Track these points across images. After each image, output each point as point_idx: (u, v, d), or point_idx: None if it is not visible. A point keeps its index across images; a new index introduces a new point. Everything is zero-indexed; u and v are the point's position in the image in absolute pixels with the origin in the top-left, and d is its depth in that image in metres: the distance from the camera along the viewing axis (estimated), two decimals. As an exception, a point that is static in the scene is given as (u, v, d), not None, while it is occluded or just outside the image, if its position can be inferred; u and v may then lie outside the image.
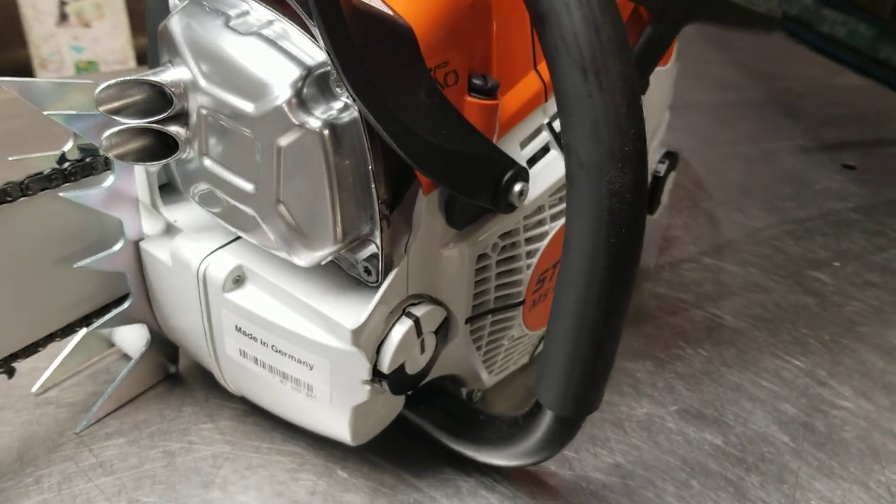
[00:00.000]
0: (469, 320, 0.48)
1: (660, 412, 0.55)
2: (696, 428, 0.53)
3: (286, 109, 0.38)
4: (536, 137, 0.48)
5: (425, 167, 0.39)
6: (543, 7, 0.34)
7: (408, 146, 0.38)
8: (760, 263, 0.74)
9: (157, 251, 0.49)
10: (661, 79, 0.67)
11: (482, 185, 0.43)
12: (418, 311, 0.44)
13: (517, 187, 0.44)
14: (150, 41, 0.56)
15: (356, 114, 0.38)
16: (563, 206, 0.51)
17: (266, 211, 0.41)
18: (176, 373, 0.58)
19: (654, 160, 0.69)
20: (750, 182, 0.90)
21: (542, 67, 0.49)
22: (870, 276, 0.72)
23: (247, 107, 0.39)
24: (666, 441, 0.52)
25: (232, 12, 0.40)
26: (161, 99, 0.42)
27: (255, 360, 0.47)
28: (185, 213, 0.49)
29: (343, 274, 0.45)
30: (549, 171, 0.48)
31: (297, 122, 0.38)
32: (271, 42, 0.38)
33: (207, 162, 0.43)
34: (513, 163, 0.43)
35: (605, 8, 0.34)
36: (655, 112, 0.68)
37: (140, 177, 0.48)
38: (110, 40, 1.23)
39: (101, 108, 0.41)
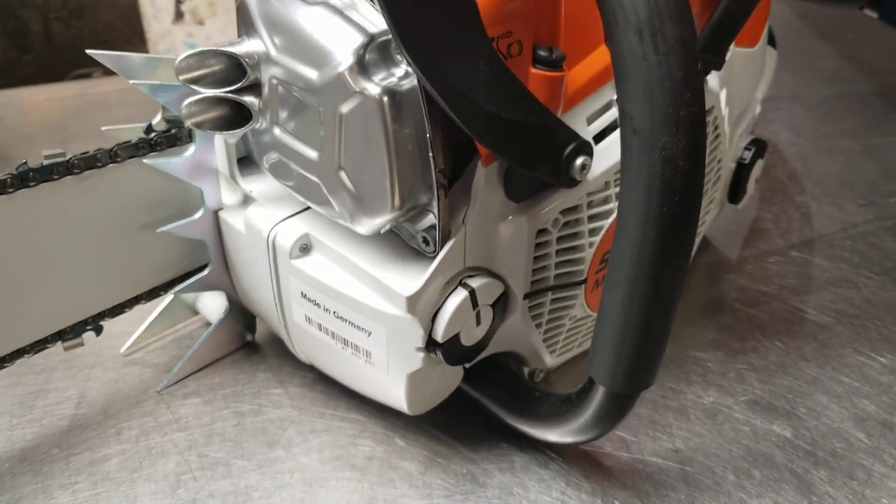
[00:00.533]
0: (528, 296, 0.48)
1: (727, 402, 0.53)
2: (765, 419, 0.51)
3: (347, 76, 0.39)
4: (605, 113, 0.48)
5: (482, 136, 0.39)
6: (598, -29, 0.34)
7: (463, 113, 0.38)
8: (852, 259, 0.70)
9: (234, 220, 0.52)
10: (747, 61, 0.64)
11: (542, 157, 0.43)
12: (474, 282, 0.45)
13: (579, 161, 0.43)
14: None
15: (416, 81, 0.39)
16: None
17: (329, 178, 0.43)
18: (252, 341, 0.60)
19: (740, 147, 0.67)
20: (849, 176, 0.85)
21: (611, 42, 0.48)
22: (976, 276, 0.67)
23: (312, 74, 0.40)
24: (731, 430, 0.50)
25: (301, -15, 0.41)
26: (237, 70, 0.45)
27: (319, 327, 0.48)
28: (260, 184, 0.52)
29: (403, 244, 0.46)
30: (617, 148, 0.48)
31: (357, 89, 0.39)
32: (337, 11, 0.40)
33: (277, 131, 0.44)
34: (575, 136, 0.43)
35: (660, -30, 0.33)
36: (741, 95, 0.65)
37: (220, 148, 0.51)
38: (221, 37, 1.28)
39: (181, 77, 0.43)
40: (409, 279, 0.44)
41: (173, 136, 0.50)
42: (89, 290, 0.51)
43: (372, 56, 0.39)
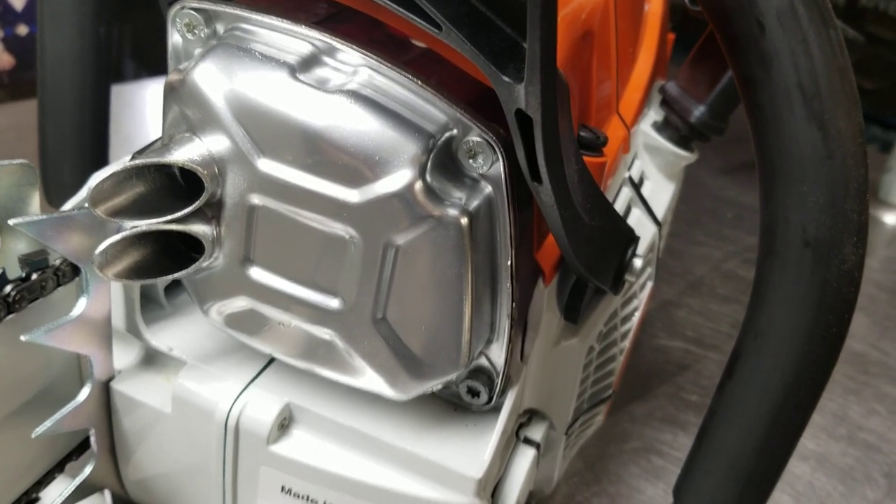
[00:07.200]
0: (568, 430, 0.39)
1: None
2: None
3: (412, 195, 0.27)
4: (621, 195, 0.41)
5: (577, 252, 0.30)
6: (770, 45, 0.26)
7: (571, 229, 0.28)
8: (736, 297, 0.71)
9: (139, 392, 0.35)
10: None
11: (612, 263, 0.34)
12: (534, 433, 0.35)
13: (638, 262, 0.36)
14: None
15: (487, 192, 0.28)
16: (650, 269, 0.44)
17: (357, 333, 0.30)
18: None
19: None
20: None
21: (623, 109, 0.41)
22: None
23: (344, 194, 0.27)
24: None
25: (293, 59, 0.28)
26: (172, 186, 0.30)
27: (309, 527, 0.34)
28: (175, 334, 0.36)
29: (425, 399, 0.34)
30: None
31: (427, 212, 0.27)
32: (370, 102, 0.27)
33: (255, 271, 0.30)
34: (633, 233, 0.35)
35: (842, 43, 0.27)
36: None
37: (117, 295, 0.34)
38: None
39: (101, 211, 0.27)
40: (465, 452, 0.32)
41: (37, 285, 0.32)
42: None
43: (436, 165, 0.27)
